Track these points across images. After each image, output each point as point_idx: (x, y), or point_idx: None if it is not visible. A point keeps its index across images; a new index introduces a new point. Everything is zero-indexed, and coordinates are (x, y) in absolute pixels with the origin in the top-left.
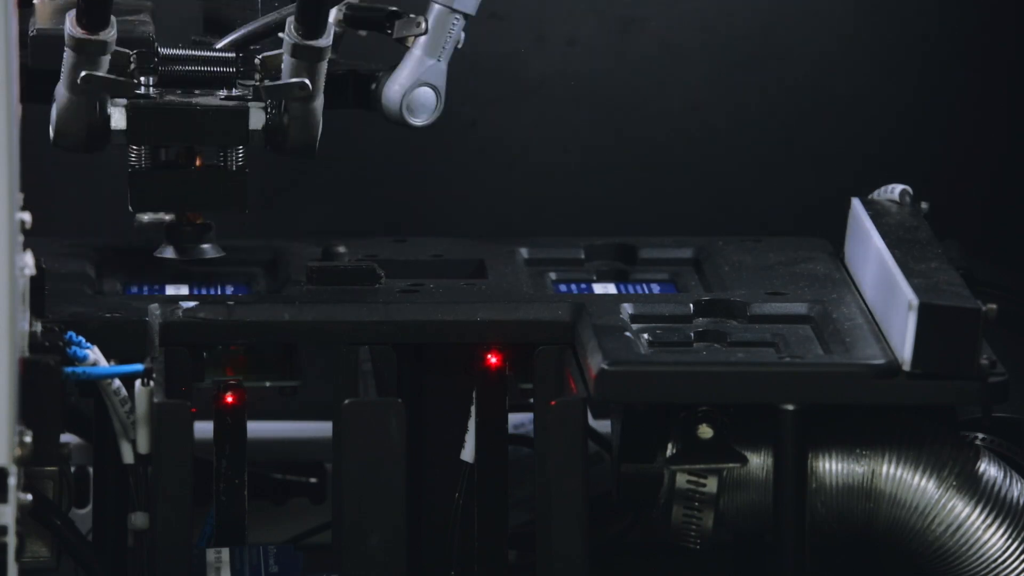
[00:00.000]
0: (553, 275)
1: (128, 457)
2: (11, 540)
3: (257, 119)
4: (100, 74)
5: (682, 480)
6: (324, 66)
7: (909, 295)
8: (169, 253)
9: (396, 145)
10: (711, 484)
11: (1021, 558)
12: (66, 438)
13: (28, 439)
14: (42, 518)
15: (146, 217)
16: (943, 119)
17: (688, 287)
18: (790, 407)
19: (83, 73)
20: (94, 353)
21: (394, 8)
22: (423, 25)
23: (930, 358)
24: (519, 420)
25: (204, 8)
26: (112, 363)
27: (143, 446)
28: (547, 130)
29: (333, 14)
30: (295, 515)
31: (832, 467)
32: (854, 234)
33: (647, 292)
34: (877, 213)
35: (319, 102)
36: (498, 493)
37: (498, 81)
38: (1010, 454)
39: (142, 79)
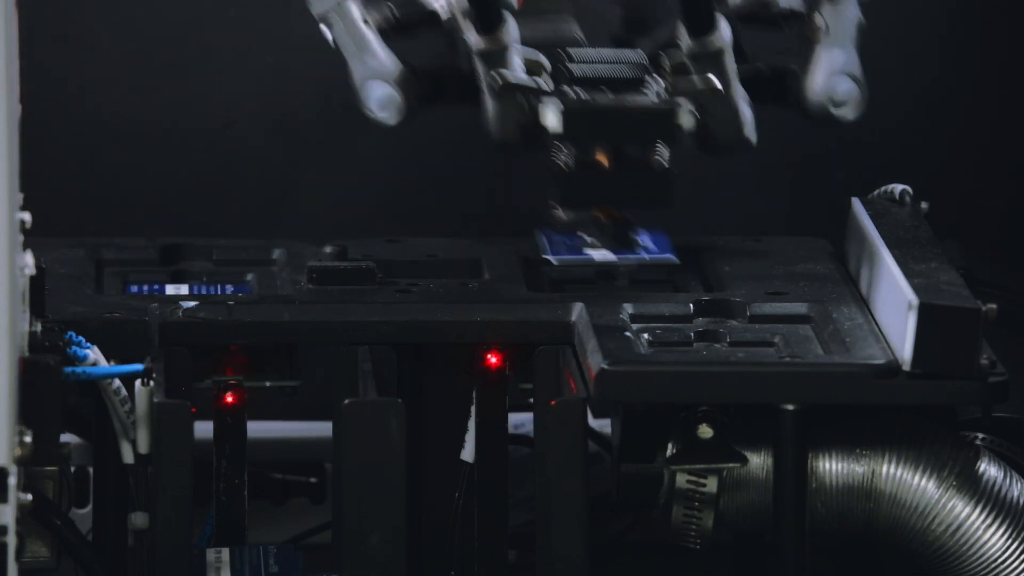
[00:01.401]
0: (553, 275)
1: (128, 457)
2: (11, 540)
3: (686, 119)
4: (512, 78)
5: (682, 480)
6: (729, 61)
7: (909, 295)
8: (602, 255)
9: (396, 145)
10: (711, 484)
11: (1021, 558)
12: (66, 438)
13: (28, 439)
14: (42, 518)
15: (563, 214)
16: (943, 119)
17: (688, 287)
18: (790, 407)
19: (491, 73)
20: (94, 353)
21: (790, 7)
22: (822, 23)
23: (930, 358)
24: (519, 420)
25: (624, 6)
26: (112, 363)
27: (143, 446)
28: None
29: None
30: (295, 515)
31: (832, 467)
32: (854, 234)
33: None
34: (877, 213)
35: (738, 96)
36: (498, 493)
37: None
38: (1010, 454)
39: (551, 81)
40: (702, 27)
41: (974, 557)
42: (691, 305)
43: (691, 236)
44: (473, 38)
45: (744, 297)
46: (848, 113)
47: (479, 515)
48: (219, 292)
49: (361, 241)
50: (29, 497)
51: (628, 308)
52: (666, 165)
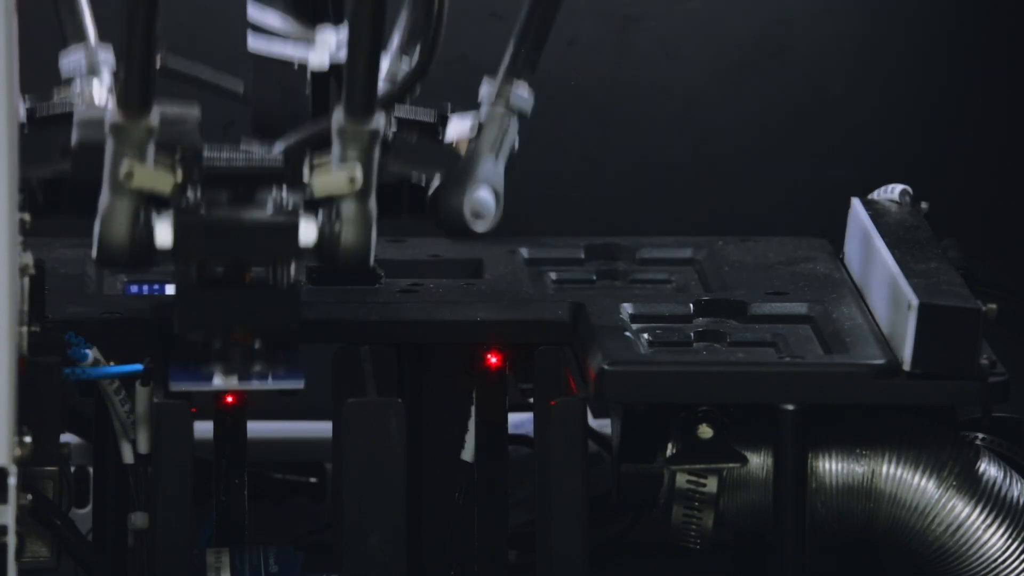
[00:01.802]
0: (553, 275)
1: (128, 457)
2: (11, 540)
3: (307, 234)
4: (143, 168)
5: (682, 480)
6: (376, 156)
7: (909, 295)
8: (225, 382)
9: (396, 145)
10: (711, 484)
11: (1021, 558)
12: (66, 438)
13: (28, 439)
14: (42, 518)
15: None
16: (943, 119)
17: (688, 287)
18: (790, 407)
19: (124, 161)
20: (94, 353)
21: (445, 113)
22: (476, 128)
23: (930, 358)
24: (519, 420)
25: (253, 113)
26: (112, 363)
27: (143, 446)
28: (548, 130)
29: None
30: (295, 515)
31: (832, 467)
32: (854, 234)
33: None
34: (877, 213)
35: (372, 204)
36: (498, 493)
37: None
38: (1010, 454)
39: (185, 180)
40: (361, 105)
41: (974, 557)
42: (691, 305)
43: (691, 236)
44: (113, 113)
45: (744, 297)
46: (482, 227)
47: (479, 515)
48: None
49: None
50: (29, 497)
51: (628, 308)
52: (292, 282)
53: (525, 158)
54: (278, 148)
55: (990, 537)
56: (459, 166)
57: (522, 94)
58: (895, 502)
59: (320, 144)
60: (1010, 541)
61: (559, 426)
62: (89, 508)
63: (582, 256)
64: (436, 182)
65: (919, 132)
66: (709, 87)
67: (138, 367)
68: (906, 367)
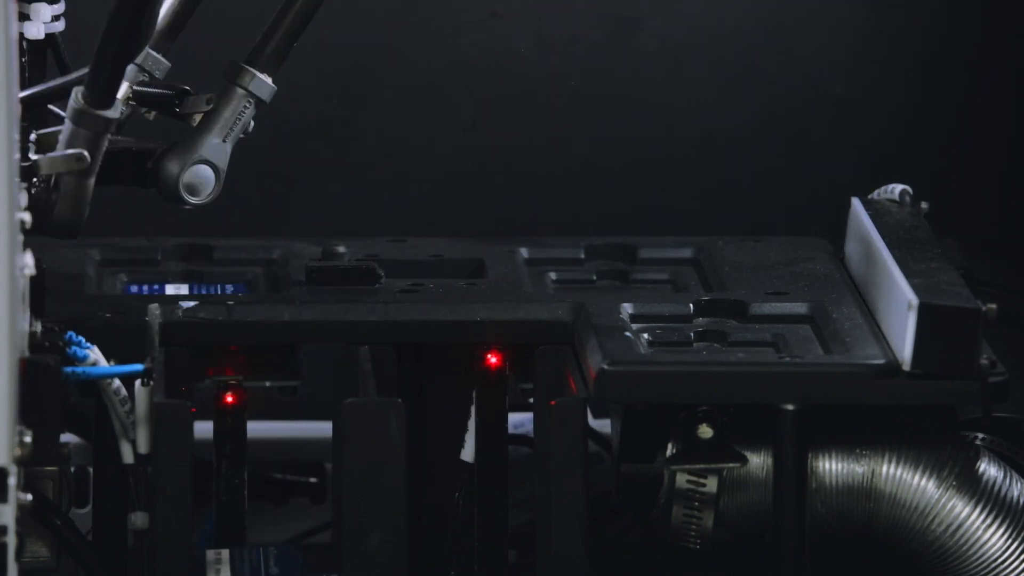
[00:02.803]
0: (553, 275)
1: (128, 457)
2: (11, 540)
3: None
4: None
5: (682, 480)
6: (105, 141)
7: (909, 295)
8: None
9: (396, 145)
10: (711, 484)
11: (1021, 558)
12: (66, 438)
13: (28, 439)
14: (42, 518)
15: None
16: (943, 119)
17: (688, 287)
18: (790, 407)
19: None
20: (94, 353)
21: (186, 87)
22: (211, 103)
23: (930, 358)
24: (519, 420)
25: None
26: (112, 363)
27: (143, 446)
28: (547, 130)
29: (123, 90)
30: (295, 515)
31: (832, 467)
32: (854, 234)
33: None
34: (877, 213)
35: (92, 180)
36: (498, 493)
37: (498, 81)
38: (1010, 454)
39: None
40: (103, 93)
41: (974, 557)
42: (691, 305)
43: (691, 236)
44: None
45: (744, 297)
46: (196, 200)
47: (479, 515)
48: (219, 292)
49: (364, 241)
50: (29, 497)
51: (628, 308)
52: None
53: (525, 158)
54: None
55: (990, 537)
56: (185, 139)
57: (265, 81)
58: (895, 502)
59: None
60: (1010, 541)
61: (559, 426)
62: (89, 508)
63: (582, 256)
64: (159, 152)
65: (919, 132)
66: (709, 87)
67: (138, 367)
68: (906, 367)
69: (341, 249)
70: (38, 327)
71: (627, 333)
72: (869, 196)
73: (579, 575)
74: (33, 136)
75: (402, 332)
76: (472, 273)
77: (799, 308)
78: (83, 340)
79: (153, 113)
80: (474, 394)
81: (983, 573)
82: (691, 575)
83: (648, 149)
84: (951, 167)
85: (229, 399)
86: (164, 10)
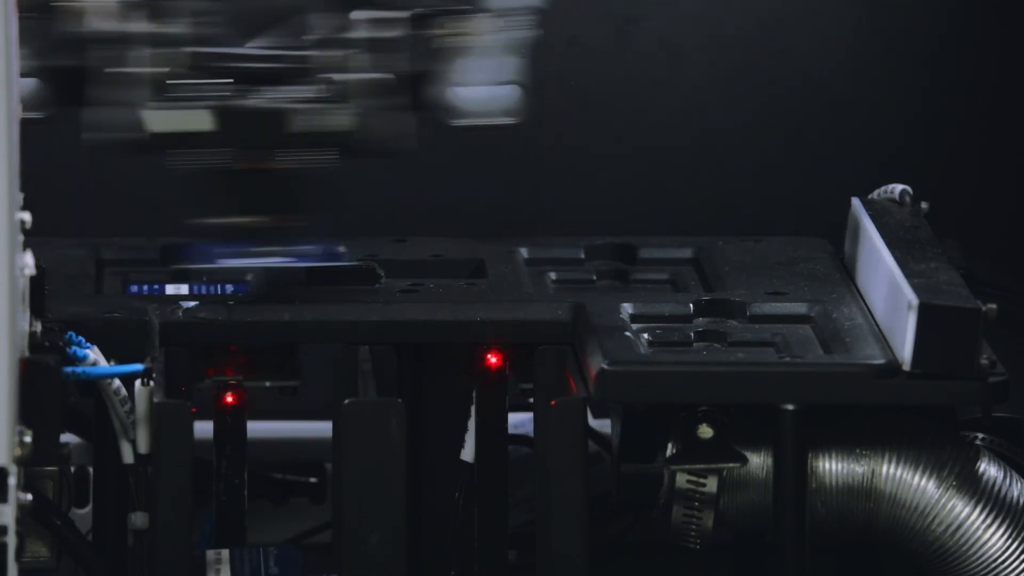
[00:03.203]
0: (553, 275)
1: (128, 457)
2: (11, 540)
3: (305, 122)
4: (166, 71)
5: (682, 480)
6: (397, 60)
7: (909, 295)
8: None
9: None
10: (711, 484)
11: (1021, 558)
12: (66, 438)
13: (28, 439)
14: (42, 518)
15: (207, 220)
16: (943, 119)
17: (688, 287)
18: (790, 407)
19: (115, 69)
20: (94, 353)
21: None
22: (470, 29)
23: (930, 358)
24: (519, 420)
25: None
26: (112, 363)
27: (143, 446)
28: (548, 130)
29: None
30: (295, 515)
31: (832, 467)
32: (854, 234)
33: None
34: (877, 213)
35: (395, 100)
36: (498, 493)
37: None
38: (1010, 454)
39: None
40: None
41: (974, 557)
42: (691, 305)
43: (691, 236)
44: (138, 24)
45: (744, 297)
46: (504, 119)
47: (479, 515)
48: (219, 292)
49: (365, 241)
50: (29, 497)
51: (628, 308)
52: (299, 170)
53: (526, 158)
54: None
55: (990, 537)
56: (460, 62)
57: None
58: (895, 502)
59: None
60: (1010, 541)
61: (559, 426)
62: (89, 508)
63: (582, 256)
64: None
65: (919, 132)
66: (709, 87)
67: (138, 367)
68: (906, 367)
69: (341, 249)
70: (38, 327)
71: (627, 333)
72: (869, 196)
73: (579, 575)
74: (327, 55)
75: (402, 332)
76: (472, 273)
77: (799, 308)
78: (83, 340)
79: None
80: (474, 394)
81: (983, 573)
82: (691, 575)
83: (648, 149)
84: (951, 167)
85: (229, 399)
86: None
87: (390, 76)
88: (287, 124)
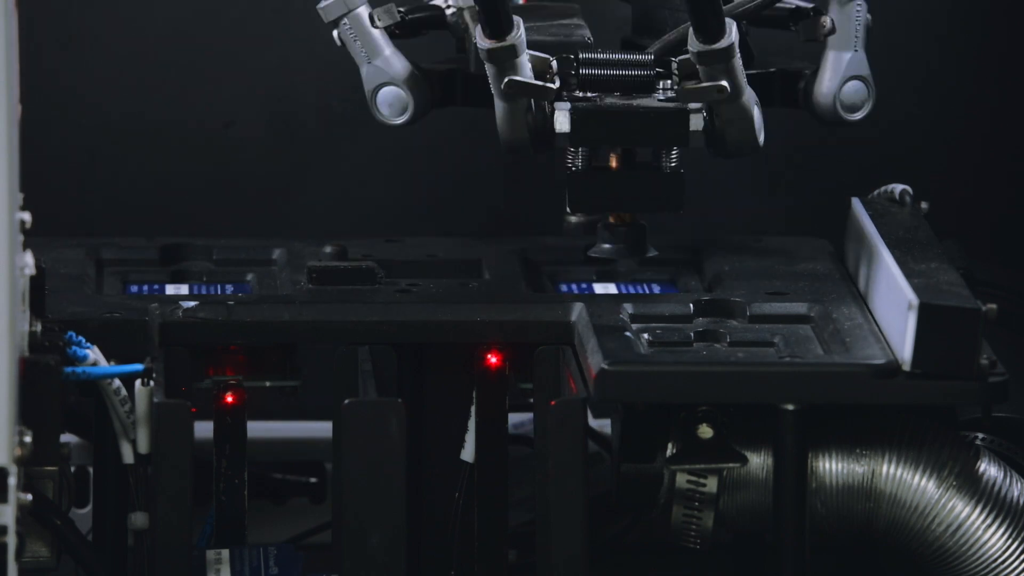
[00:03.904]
0: (553, 275)
1: (128, 457)
2: (11, 540)
3: (696, 121)
4: (519, 79)
5: (682, 480)
6: (737, 63)
7: (909, 295)
8: (606, 253)
9: (396, 145)
10: (711, 484)
11: (1021, 558)
12: (66, 438)
13: (28, 439)
14: (42, 518)
15: (574, 218)
16: (943, 119)
17: (688, 287)
18: (790, 407)
19: (505, 79)
20: (94, 353)
21: (796, 3)
22: (828, 24)
23: (930, 358)
24: (519, 420)
25: (633, 9)
26: (112, 363)
27: (143, 446)
28: None
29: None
30: (295, 515)
31: (832, 467)
32: (854, 234)
33: (648, 292)
34: (877, 213)
35: (749, 99)
36: (498, 493)
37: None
38: (1010, 454)
39: (560, 84)
40: (711, 30)
41: (974, 557)
42: (691, 305)
43: (691, 236)
44: (481, 40)
45: (744, 297)
46: (858, 116)
47: (479, 515)
48: (219, 292)
49: (361, 241)
50: (29, 497)
51: (628, 308)
52: (677, 168)
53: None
54: (656, 47)
55: (990, 537)
56: (822, 63)
57: None
58: (895, 502)
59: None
60: (1010, 541)
61: (559, 426)
62: (89, 508)
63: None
64: (808, 74)
65: (919, 132)
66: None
67: (138, 367)
68: (906, 367)
69: (341, 249)
70: (38, 327)
71: (627, 333)
72: (869, 196)
73: (579, 575)
74: (674, 63)
75: (402, 332)
76: (472, 273)
77: (799, 308)
78: (83, 340)
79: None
80: (474, 394)
81: (983, 573)
82: (691, 575)
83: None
84: (951, 167)
85: (229, 399)
86: None
87: (723, 85)
88: (685, 123)
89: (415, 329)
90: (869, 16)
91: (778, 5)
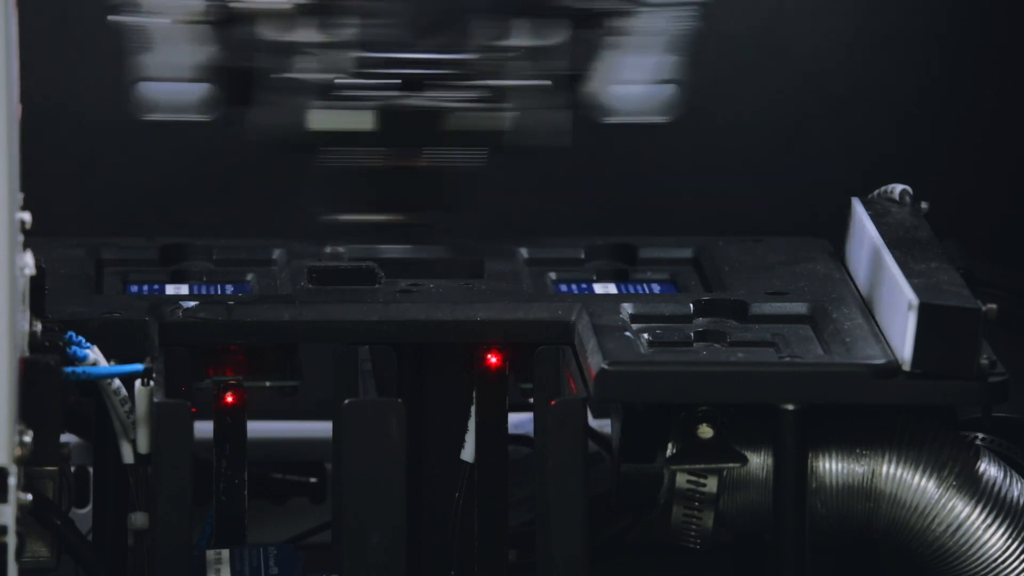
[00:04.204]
0: (553, 275)
1: (128, 457)
2: (11, 540)
3: (495, 122)
4: (320, 76)
5: (682, 480)
6: (556, 63)
7: (909, 295)
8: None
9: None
10: (711, 484)
11: (1021, 558)
12: (66, 438)
13: (28, 439)
14: (42, 518)
15: (345, 217)
16: (943, 119)
17: (688, 287)
18: (790, 407)
19: (284, 75)
20: (94, 353)
21: (610, 8)
22: (629, 27)
23: (930, 358)
24: (519, 420)
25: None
26: (112, 363)
27: (143, 446)
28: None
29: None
30: (295, 515)
31: (832, 467)
32: (854, 234)
33: (648, 292)
34: (877, 213)
35: (552, 100)
36: (498, 493)
37: None
38: (1010, 454)
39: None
40: (537, 26)
41: (974, 557)
42: (691, 305)
43: (691, 236)
44: (308, 33)
45: (744, 297)
46: (657, 118)
47: (479, 515)
48: (219, 292)
49: (364, 241)
50: (29, 497)
51: (628, 308)
52: (440, 167)
53: (525, 158)
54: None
55: (990, 537)
56: (613, 59)
57: None
58: (895, 502)
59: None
60: (1010, 541)
61: (559, 426)
62: (89, 508)
63: (582, 256)
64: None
65: (919, 132)
66: (709, 87)
67: (138, 367)
68: (906, 367)
69: (341, 249)
70: (38, 327)
71: (627, 333)
72: (869, 196)
73: (579, 575)
74: (476, 59)
75: (402, 332)
76: (472, 273)
77: (799, 308)
78: (83, 340)
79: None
80: (474, 394)
81: (983, 573)
82: (691, 575)
83: (648, 149)
84: (951, 167)
85: (229, 399)
86: None
87: (547, 81)
88: (446, 124)
89: (415, 329)
90: (678, 22)
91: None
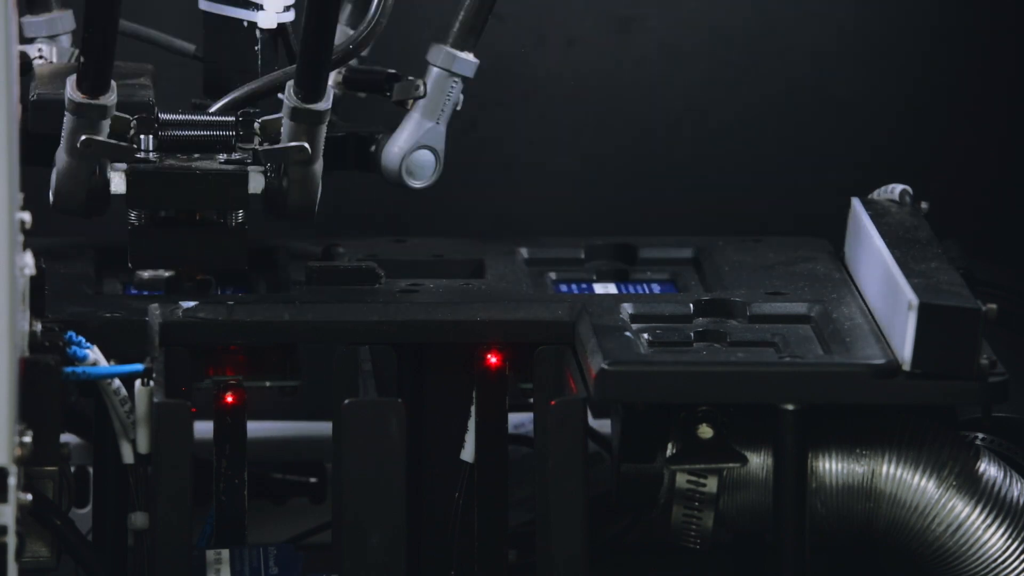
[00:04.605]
0: (553, 275)
1: (128, 457)
2: (11, 540)
3: (256, 183)
4: (100, 138)
5: (682, 480)
6: (323, 129)
7: (909, 295)
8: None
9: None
10: (711, 484)
11: (1021, 558)
12: (66, 438)
13: (28, 439)
14: (42, 518)
15: (146, 274)
16: (943, 119)
17: (688, 287)
18: (790, 407)
19: (83, 137)
20: (94, 353)
21: (393, 71)
22: (422, 88)
23: (930, 358)
24: (519, 420)
25: (204, 71)
26: (112, 363)
27: (143, 446)
28: (547, 130)
29: (333, 76)
30: (295, 515)
31: (832, 467)
32: (854, 234)
33: (648, 292)
34: (877, 213)
35: (318, 165)
36: (498, 493)
37: (498, 81)
38: (1010, 454)
39: (142, 144)
40: (313, 90)
41: (974, 557)
42: (691, 305)
43: (691, 236)
44: (73, 92)
45: (744, 297)
46: (418, 184)
47: (479, 515)
48: (219, 292)
49: (365, 241)
50: (29, 497)
51: (628, 308)
52: (241, 224)
53: (525, 158)
54: (223, 103)
55: (990, 537)
56: (401, 125)
57: (467, 59)
58: (895, 502)
59: (267, 95)
60: (1010, 541)
61: (559, 426)
62: (89, 508)
63: (582, 256)
64: (381, 138)
65: (920, 132)
66: (709, 87)
67: (138, 367)
68: (906, 367)
69: (341, 249)
70: (38, 327)
71: (627, 333)
72: (869, 196)
73: (579, 575)
74: (257, 124)
75: (402, 332)
76: (472, 273)
77: (799, 308)
78: (83, 340)
79: (364, 95)
80: (474, 394)
81: (983, 573)
82: (691, 575)
83: (648, 149)
84: (950, 167)
85: (229, 399)
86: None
87: (304, 146)
88: (244, 185)
89: (415, 329)
90: (461, 97)
91: (374, 68)
